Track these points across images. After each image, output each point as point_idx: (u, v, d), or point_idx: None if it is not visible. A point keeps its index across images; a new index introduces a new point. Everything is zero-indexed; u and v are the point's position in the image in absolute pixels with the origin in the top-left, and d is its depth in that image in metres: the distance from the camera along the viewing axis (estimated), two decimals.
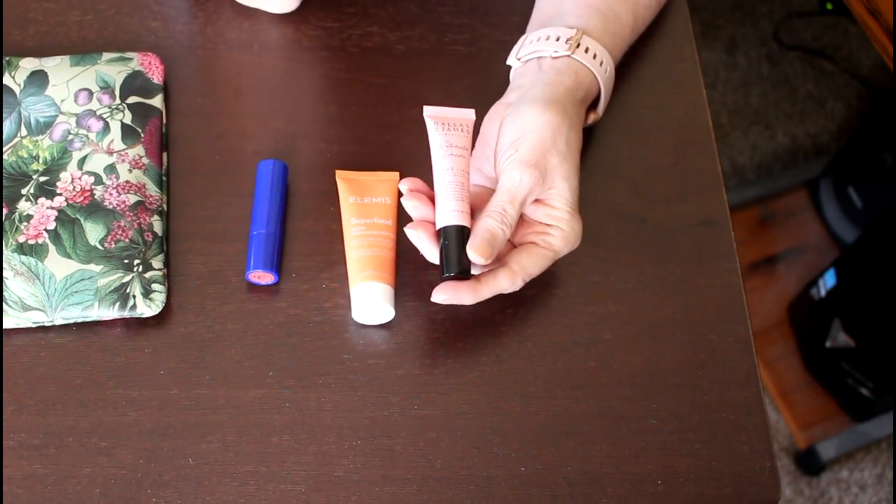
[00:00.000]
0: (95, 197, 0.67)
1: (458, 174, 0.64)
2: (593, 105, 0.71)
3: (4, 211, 0.66)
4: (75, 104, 0.70)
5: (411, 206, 0.63)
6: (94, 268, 0.65)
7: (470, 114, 0.67)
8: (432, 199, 0.64)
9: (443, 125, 0.65)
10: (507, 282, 0.63)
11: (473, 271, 0.64)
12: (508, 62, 0.71)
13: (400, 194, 0.64)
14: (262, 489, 0.62)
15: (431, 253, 0.64)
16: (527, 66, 0.69)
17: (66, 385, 0.64)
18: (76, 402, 0.63)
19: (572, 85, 0.67)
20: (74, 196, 0.67)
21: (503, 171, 0.64)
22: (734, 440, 0.65)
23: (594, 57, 0.68)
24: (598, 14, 0.70)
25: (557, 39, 0.68)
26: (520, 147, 0.63)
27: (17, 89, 0.70)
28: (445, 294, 0.63)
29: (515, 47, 0.71)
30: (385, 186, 0.69)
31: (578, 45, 0.68)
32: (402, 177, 0.68)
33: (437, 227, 0.63)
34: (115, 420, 0.63)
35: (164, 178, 0.70)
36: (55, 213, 0.66)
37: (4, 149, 0.68)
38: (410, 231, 0.63)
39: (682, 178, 0.74)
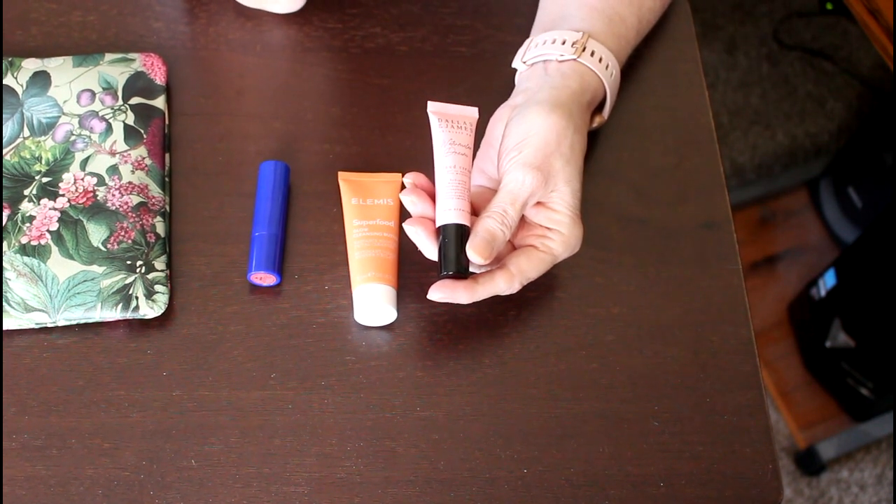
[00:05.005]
0: (98, 198, 0.67)
1: (459, 172, 0.64)
2: (598, 108, 0.71)
3: (7, 212, 0.66)
4: (78, 105, 0.70)
5: (409, 200, 0.63)
6: (97, 269, 0.65)
7: (474, 112, 0.67)
8: (432, 197, 0.64)
9: (447, 122, 0.65)
10: (504, 284, 0.63)
11: (472, 271, 0.64)
12: (514, 65, 0.71)
13: (403, 188, 0.64)
14: (264, 491, 0.62)
15: (430, 250, 0.64)
16: (532, 70, 0.69)
17: (68, 386, 0.64)
18: (79, 404, 0.63)
19: (578, 89, 0.67)
20: (77, 197, 0.67)
21: (506, 172, 0.64)
22: (736, 442, 0.65)
23: (600, 60, 0.68)
24: (603, 17, 0.70)
25: (563, 43, 0.68)
26: (524, 149, 0.63)
27: (19, 90, 0.70)
28: (441, 292, 0.63)
29: (521, 50, 0.71)
30: (387, 188, 0.69)
31: (584, 49, 0.68)
32: None
33: (437, 224, 0.63)
34: (117, 421, 0.63)
35: (166, 179, 0.70)
36: (58, 214, 0.66)
37: (7, 150, 0.68)
38: (409, 227, 0.63)
39: (683, 179, 0.74)
